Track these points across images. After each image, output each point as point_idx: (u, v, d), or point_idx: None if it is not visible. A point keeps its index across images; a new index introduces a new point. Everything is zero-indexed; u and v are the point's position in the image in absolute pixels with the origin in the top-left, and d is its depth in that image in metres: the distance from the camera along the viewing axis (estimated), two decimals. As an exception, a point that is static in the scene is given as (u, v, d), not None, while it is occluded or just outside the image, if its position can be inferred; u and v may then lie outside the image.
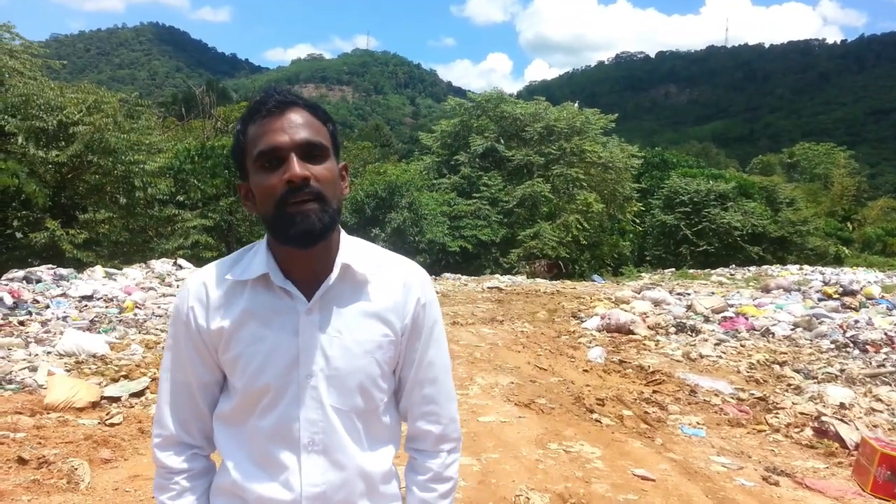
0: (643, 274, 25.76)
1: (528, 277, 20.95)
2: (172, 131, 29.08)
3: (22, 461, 3.84)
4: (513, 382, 6.74)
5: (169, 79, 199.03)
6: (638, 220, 31.60)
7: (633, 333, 9.80)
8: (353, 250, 1.36)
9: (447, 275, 20.82)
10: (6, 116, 15.40)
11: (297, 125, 1.25)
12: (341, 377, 1.32)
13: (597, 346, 8.86)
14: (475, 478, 4.26)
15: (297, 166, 1.22)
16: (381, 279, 1.38)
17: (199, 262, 17.21)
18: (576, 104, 30.30)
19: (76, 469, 3.72)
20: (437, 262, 24.37)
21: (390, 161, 37.87)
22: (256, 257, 1.34)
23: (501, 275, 21.62)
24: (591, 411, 5.96)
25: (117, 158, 17.49)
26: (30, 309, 8.84)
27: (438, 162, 29.89)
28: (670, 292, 14.15)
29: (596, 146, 27.65)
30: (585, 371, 7.63)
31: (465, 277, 19.93)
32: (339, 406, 1.32)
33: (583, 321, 10.87)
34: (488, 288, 15.92)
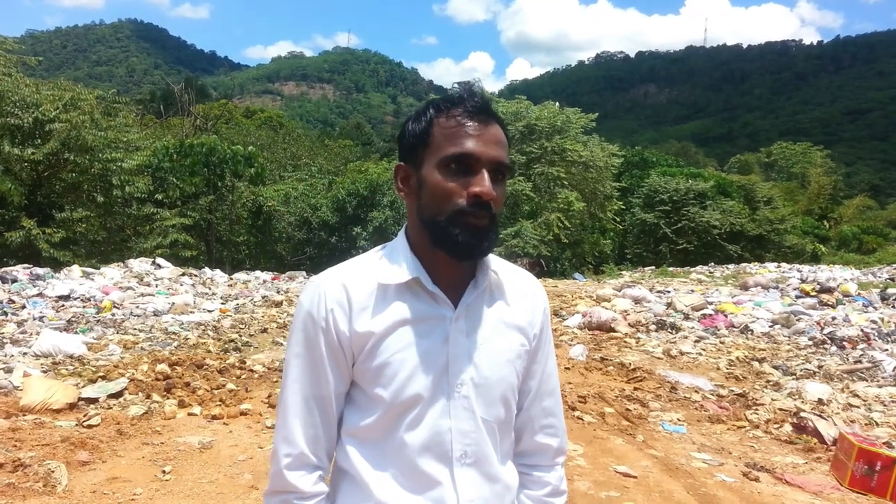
0: (624, 272, 25.93)
1: (510, 276, 20.98)
2: (151, 129, 28.80)
3: (-3, 464, 3.77)
4: (495, 381, 6.73)
5: (147, 76, 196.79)
6: (618, 219, 31.78)
7: (615, 331, 9.86)
8: (492, 259, 1.34)
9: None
10: (-20, 114, 15.14)
11: (496, 142, 1.23)
12: (488, 387, 1.28)
13: (578, 343, 8.88)
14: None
15: (489, 184, 1.19)
16: (515, 288, 1.36)
17: (177, 260, 17.05)
18: (556, 103, 30.39)
19: (53, 472, 3.66)
20: (420, 260, 24.35)
21: (372, 160, 37.84)
22: (401, 260, 1.27)
23: (483, 273, 21.63)
24: (573, 409, 5.98)
25: (94, 156, 17.29)
26: (5, 309, 8.72)
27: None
28: (650, 290, 14.26)
29: (577, 145, 27.75)
30: (567, 369, 7.64)
31: (447, 276, 19.92)
32: (486, 417, 1.28)
33: (564, 319, 10.91)
34: (470, 286, 15.94)
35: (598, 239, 30.02)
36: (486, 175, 1.20)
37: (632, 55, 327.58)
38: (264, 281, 15.13)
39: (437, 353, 1.24)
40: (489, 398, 1.28)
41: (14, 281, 10.66)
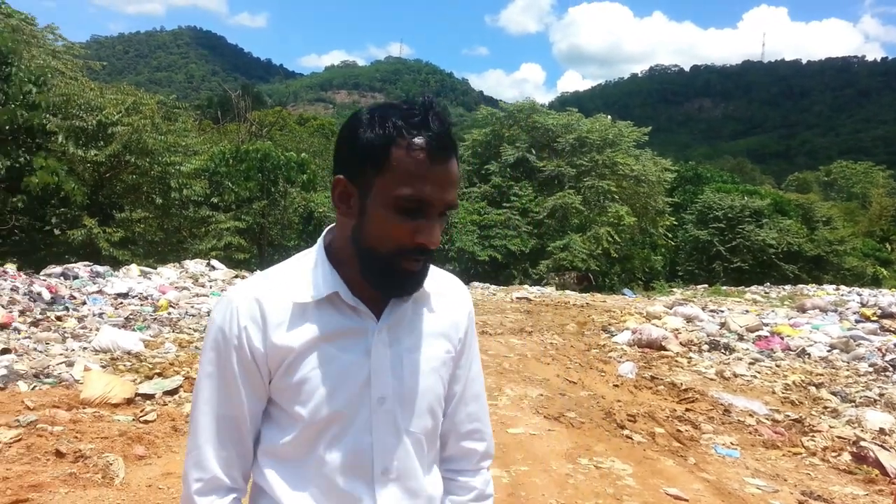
0: (675, 289, 25.46)
1: (557, 289, 20.80)
2: (208, 134, 29.58)
3: (59, 454, 3.90)
4: (542, 395, 6.68)
5: (205, 82, 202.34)
6: (670, 235, 31.21)
7: (665, 349, 9.67)
8: None
9: (476, 284, 20.77)
10: (48, 115, 15.80)
11: (451, 183, 1.15)
12: (413, 398, 1.25)
13: (628, 361, 8.74)
14: (504, 490, 4.22)
15: (437, 234, 1.15)
16: (438, 293, 1.32)
17: (230, 263, 17.43)
18: (608, 116, 30.10)
19: (111, 464, 3.77)
20: (466, 270, 24.33)
21: (421, 169, 37.93)
22: (318, 273, 1.22)
23: (530, 285, 21.51)
24: (622, 427, 5.88)
25: (154, 159, 17.85)
26: (67, 305, 9.02)
27: (469, 171, 29.88)
28: (703, 309, 13.94)
29: (628, 159, 27.39)
30: (616, 386, 7.53)
31: (493, 287, 19.87)
32: (412, 429, 1.25)
33: (613, 335, 10.75)
34: (517, 298, 15.84)
35: (648, 254, 29.53)
36: (435, 224, 1.15)
37: (686, 68, 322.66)
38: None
39: (358, 368, 1.20)
40: (414, 410, 1.25)
41: (76, 277, 11.05)
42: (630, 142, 28.31)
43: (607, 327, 11.53)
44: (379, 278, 1.17)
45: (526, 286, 20.82)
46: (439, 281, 1.34)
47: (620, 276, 27.05)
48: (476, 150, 30.11)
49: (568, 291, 20.00)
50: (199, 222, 20.11)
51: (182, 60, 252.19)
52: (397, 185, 1.11)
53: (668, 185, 30.56)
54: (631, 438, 5.60)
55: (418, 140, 1.11)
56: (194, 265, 14.34)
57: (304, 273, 1.23)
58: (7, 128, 15.05)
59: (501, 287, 20.26)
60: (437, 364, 1.29)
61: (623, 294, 22.00)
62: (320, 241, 1.27)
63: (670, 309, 13.50)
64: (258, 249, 22.41)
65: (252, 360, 1.18)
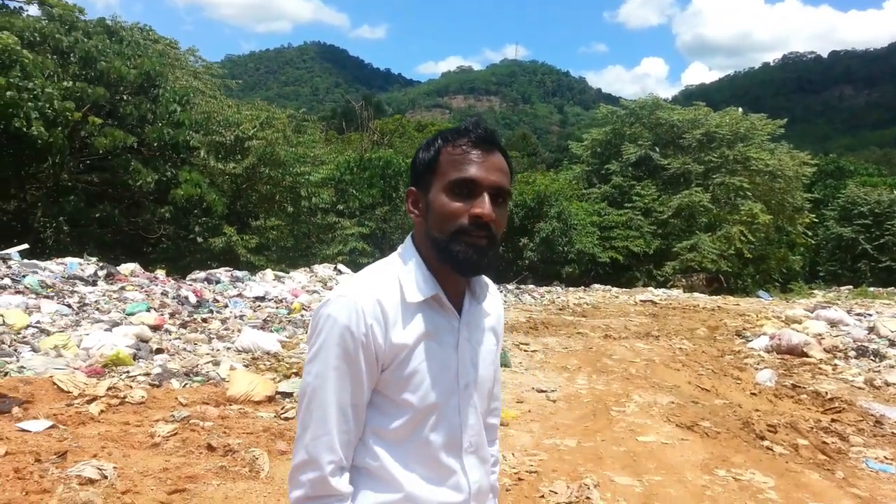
0: (816, 291, 23.79)
1: (684, 291, 19.99)
2: (333, 144, 30.84)
3: (210, 448, 4.19)
4: (673, 402, 6.43)
5: (329, 94, 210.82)
6: (810, 233, 29.18)
7: (808, 356, 9.04)
8: None
9: (596, 286, 20.37)
10: (191, 132, 17.04)
11: (497, 169, 1.35)
12: (482, 384, 1.47)
13: (766, 368, 8.26)
14: (637, 499, 4.10)
15: (489, 206, 1.32)
16: (490, 295, 1.54)
17: (356, 267, 18.06)
18: (739, 109, 28.57)
19: (257, 458, 4.01)
20: (586, 272, 23.91)
21: (538, 170, 37.78)
22: (418, 276, 1.38)
23: (655, 288, 20.79)
24: (762, 438, 5.55)
25: (286, 170, 18.84)
26: (211, 308, 9.68)
27: (588, 171, 29.34)
28: (848, 312, 12.91)
29: (762, 153, 25.90)
30: (753, 394, 7.14)
31: (615, 289, 19.38)
32: (482, 410, 1.48)
33: (748, 340, 10.19)
34: (641, 301, 15.37)
35: (785, 254, 27.75)
36: (486, 198, 1.32)
37: (824, 55, 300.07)
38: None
39: (450, 360, 1.40)
40: (483, 394, 1.49)
41: (218, 282, 11.85)
42: (763, 135, 26.78)
43: (742, 332, 10.94)
44: (450, 259, 1.34)
45: (650, 288, 20.15)
46: (487, 285, 1.54)
47: (755, 278, 25.64)
48: (595, 150, 29.52)
49: (696, 294, 19.17)
50: (326, 228, 20.99)
51: (308, 74, 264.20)
52: (447, 174, 1.34)
53: (806, 179, 28.63)
54: (771, 450, 5.27)
55: (461, 139, 1.36)
56: (323, 269, 14.99)
57: (405, 275, 1.39)
58: (156, 145, 16.41)
59: (623, 289, 19.72)
60: (493, 356, 1.52)
61: (758, 297, 20.81)
62: (411, 245, 1.43)
63: (811, 312, 12.62)
64: (380, 254, 23.08)
65: (374, 354, 1.33)
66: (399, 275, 1.39)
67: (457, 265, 1.34)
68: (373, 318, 1.31)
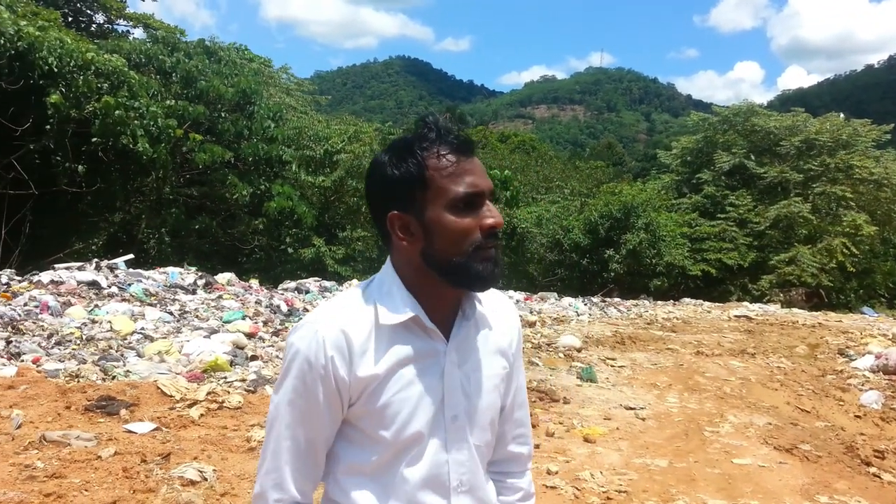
0: (927, 307, 22.16)
1: (782, 307, 19.05)
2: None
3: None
4: (770, 423, 6.14)
5: (413, 107, 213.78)
6: (921, 245, 27.30)
7: (919, 377, 8.44)
8: None
9: (687, 300, 19.69)
10: (283, 147, 17.74)
11: (484, 171, 1.27)
12: (479, 414, 1.34)
13: (871, 389, 7.76)
14: (733, 525, 3.93)
15: (497, 212, 1.26)
16: (494, 312, 1.40)
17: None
18: (841, 115, 27.12)
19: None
20: (676, 285, 23.19)
21: (625, 180, 37.02)
22: (395, 298, 1.28)
23: (750, 302, 19.92)
24: (868, 464, 5.23)
25: (372, 182, 19.28)
26: (301, 317, 9.99)
27: (678, 181, 28.50)
28: (967, 331, 11.98)
29: (866, 161, 24.46)
30: (858, 417, 6.75)
31: (707, 304, 18.68)
32: (479, 444, 1.34)
33: (852, 360, 9.60)
34: (735, 316, 14.75)
35: (892, 268, 26.05)
36: (491, 206, 1.25)
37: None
38: (517, 301, 15.52)
39: (433, 389, 1.28)
40: (480, 425, 1.34)
41: (307, 292, 12.22)
42: (868, 142, 25.32)
43: (845, 350, 10.32)
44: (470, 278, 1.25)
45: (745, 303, 19.30)
46: (492, 300, 1.42)
47: (858, 293, 24.19)
48: (685, 159, 28.68)
49: (795, 309, 18.23)
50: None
51: (392, 88, 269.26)
52: (447, 190, 1.22)
53: (916, 188, 26.78)
54: (879, 477, 4.96)
55: (443, 148, 1.24)
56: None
57: (381, 299, 1.29)
58: (251, 159, 17.17)
59: (716, 304, 18.98)
60: (498, 381, 1.38)
61: (862, 313, 19.59)
62: (388, 268, 1.33)
63: (924, 331, 11.78)
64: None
65: (336, 389, 1.24)
66: (376, 298, 1.29)
67: (481, 282, 1.26)
68: (334, 349, 1.23)
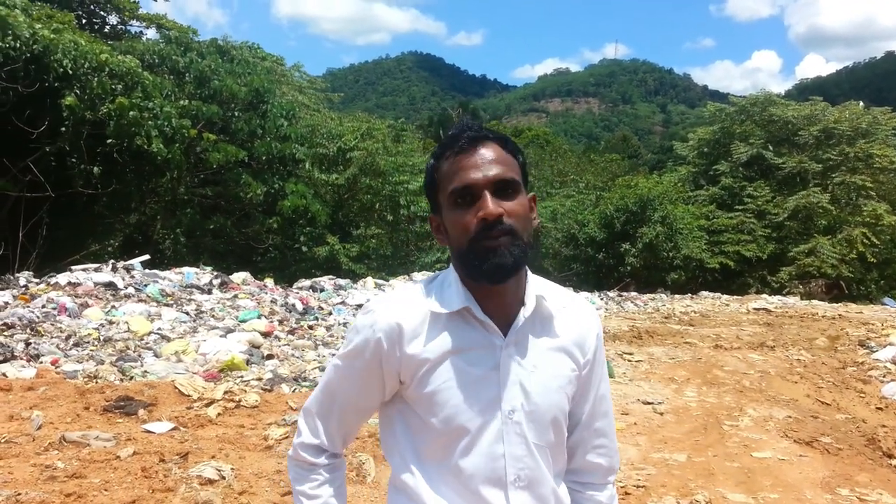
0: (950, 297, 21.80)
1: (801, 299, 18.86)
2: (431, 152, 31.30)
3: (318, 452, 4.32)
4: (790, 416, 6.07)
5: (425, 103, 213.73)
6: (943, 235, 26.88)
7: (942, 368, 8.31)
8: (540, 284, 1.40)
9: (705, 293, 19.56)
10: (296, 145, 17.77)
11: (489, 161, 1.28)
12: (540, 412, 1.33)
13: (893, 380, 7.66)
14: (753, 520, 3.89)
15: (490, 204, 1.25)
16: (566, 313, 1.40)
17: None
18: (860, 103, 26.75)
19: (363, 463, 4.11)
20: (693, 279, 23.02)
21: (640, 173, 36.79)
22: (452, 290, 1.33)
23: (769, 295, 19.72)
24: (890, 456, 5.18)
25: (385, 179, 19.30)
26: (316, 315, 10.02)
27: (695, 172, 28.27)
28: None
29: (887, 150, 24.12)
30: (879, 409, 6.66)
31: (725, 297, 18.54)
32: (537, 441, 1.33)
33: (873, 351, 9.48)
34: (754, 309, 14.63)
35: (914, 258, 25.69)
36: (487, 196, 1.25)
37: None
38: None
39: (487, 381, 1.30)
40: (540, 423, 1.33)
41: (322, 290, 12.25)
42: (888, 130, 24.97)
43: (865, 342, 10.19)
44: (474, 268, 1.28)
45: (764, 296, 19.11)
46: (564, 301, 1.42)
47: (879, 284, 23.86)
48: (702, 150, 28.41)
49: (815, 301, 18.05)
50: (424, 236, 21.28)
51: (405, 84, 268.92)
52: (446, 188, 1.30)
53: (936, 177, 26.38)
54: (903, 470, 4.89)
55: (448, 150, 1.32)
56: (421, 277, 15.19)
57: (439, 290, 1.36)
58: (264, 158, 17.22)
59: (735, 297, 18.82)
60: (564, 382, 1.37)
61: (883, 304, 19.34)
62: (452, 265, 1.39)
63: (947, 321, 11.60)
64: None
65: (380, 369, 1.33)
66: (435, 290, 1.36)
67: (482, 274, 1.28)
68: (384, 332, 1.31)
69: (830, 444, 5.32)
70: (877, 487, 4.49)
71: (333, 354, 7.56)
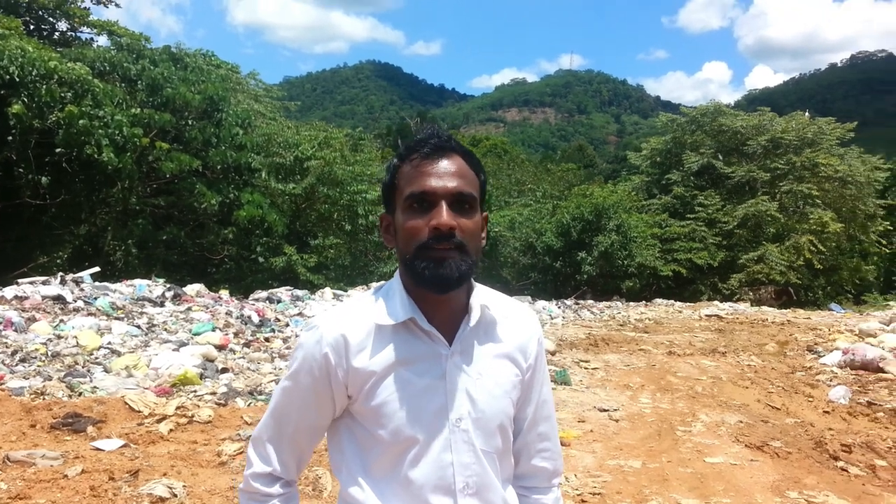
0: (891, 303, 22.63)
1: (751, 305, 19.37)
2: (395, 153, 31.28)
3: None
4: (741, 421, 6.22)
5: (384, 112, 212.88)
6: (884, 241, 27.90)
7: (884, 371, 8.62)
8: (483, 293, 1.40)
9: (659, 300, 19.93)
10: (252, 154, 17.54)
11: (451, 172, 1.29)
12: (486, 419, 1.34)
13: (839, 384, 7.92)
14: (706, 524, 3.97)
15: (446, 215, 1.26)
16: (508, 320, 1.42)
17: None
18: (806, 113, 27.68)
19: (320, 477, 4.06)
20: (648, 286, 23.44)
21: (596, 182, 37.36)
22: (396, 301, 1.33)
23: (721, 301, 20.21)
24: (836, 458, 5.31)
25: (343, 189, 19.18)
26: (273, 327, 9.89)
27: (648, 182, 28.86)
28: (929, 324, 12.26)
29: (832, 159, 25.00)
30: (826, 412, 6.85)
31: (678, 304, 18.92)
32: (485, 448, 1.34)
33: (820, 356, 9.79)
34: (706, 315, 14.97)
35: (858, 264, 26.62)
36: (443, 207, 1.26)
37: None
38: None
39: (434, 391, 1.30)
40: (487, 430, 1.34)
41: (279, 301, 12.10)
42: (832, 140, 25.90)
43: (813, 347, 10.52)
44: (417, 275, 1.28)
45: (715, 302, 19.59)
46: (507, 308, 1.44)
47: (826, 290, 24.69)
48: (654, 160, 29.03)
49: (765, 307, 18.56)
50: (382, 246, 21.22)
51: (363, 93, 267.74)
52: (404, 189, 1.30)
53: (879, 185, 27.49)
54: (847, 471, 5.05)
55: (413, 154, 1.31)
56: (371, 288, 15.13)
57: (384, 301, 1.35)
58: (219, 167, 16.97)
59: (687, 304, 19.24)
60: (509, 387, 1.38)
61: (830, 309, 20.01)
62: (397, 273, 1.39)
63: (887, 325, 12.05)
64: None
65: (328, 384, 1.31)
66: (380, 301, 1.35)
67: (425, 282, 1.27)
68: (330, 346, 1.30)
69: (780, 448, 5.45)
70: (824, 489, 4.61)
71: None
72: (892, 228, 28.93)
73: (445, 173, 1.28)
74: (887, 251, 29.08)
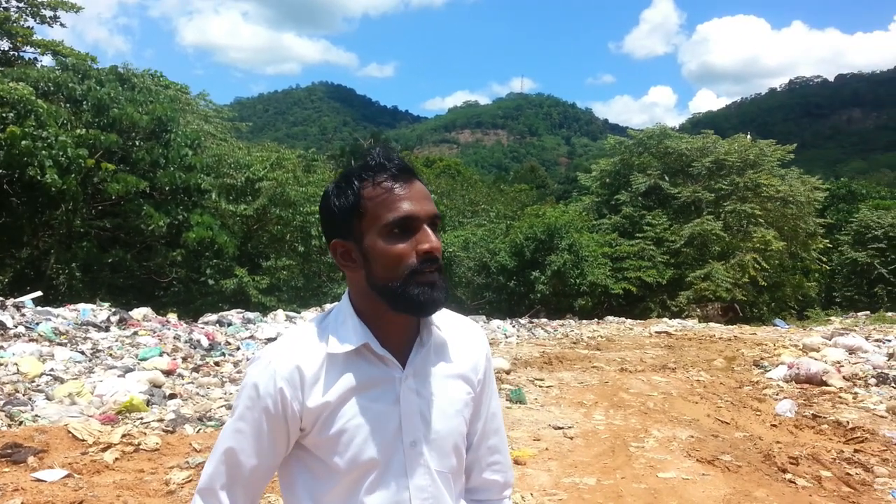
0: (832, 318, 23.45)
1: (699, 321, 19.83)
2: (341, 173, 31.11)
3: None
4: (692, 436, 6.33)
5: (337, 133, 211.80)
6: (824, 259, 28.96)
7: (827, 385, 8.89)
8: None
9: (610, 318, 20.21)
10: (202, 175, 17.26)
11: (425, 196, 1.29)
12: (440, 440, 1.34)
13: (785, 398, 8.12)
14: (660, 540, 4.01)
15: (435, 238, 1.26)
16: (457, 339, 1.41)
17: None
18: (748, 136, 28.65)
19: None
20: (599, 304, 23.75)
21: (548, 202, 37.86)
22: (348, 326, 1.30)
23: (670, 318, 20.62)
24: (784, 471, 5.44)
25: (296, 210, 19.01)
26: (223, 350, 9.68)
27: (598, 202, 29.38)
28: (867, 338, 12.73)
29: (773, 179, 25.86)
30: (773, 426, 7.02)
31: (629, 321, 19.23)
32: (440, 469, 1.34)
33: (767, 370, 10.05)
34: (656, 332, 15.24)
35: (801, 281, 27.51)
36: (428, 230, 1.25)
37: (831, 78, 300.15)
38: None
39: (389, 415, 1.29)
40: (442, 451, 1.33)
41: (229, 324, 11.86)
42: (773, 161, 26.82)
43: (759, 362, 10.80)
44: (408, 303, 1.25)
45: (665, 319, 20.00)
46: (456, 326, 1.43)
47: (770, 306, 25.40)
48: (604, 181, 29.59)
49: (712, 324, 19.02)
50: (336, 267, 21.02)
51: (316, 114, 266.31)
52: (380, 216, 1.25)
53: (818, 204, 28.53)
54: (794, 483, 5.17)
55: (380, 176, 1.26)
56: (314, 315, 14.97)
57: (335, 328, 1.32)
58: (167, 188, 16.62)
59: (638, 321, 19.57)
60: (461, 406, 1.38)
61: (774, 325, 20.59)
62: (346, 298, 1.36)
63: (829, 340, 12.44)
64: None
65: (283, 419, 1.27)
66: (330, 328, 1.32)
67: (419, 307, 1.26)
68: (284, 380, 1.26)
69: (730, 462, 5.56)
70: (773, 501, 4.71)
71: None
72: (831, 246, 30.10)
73: (423, 196, 1.28)
74: (827, 268, 30.20)
